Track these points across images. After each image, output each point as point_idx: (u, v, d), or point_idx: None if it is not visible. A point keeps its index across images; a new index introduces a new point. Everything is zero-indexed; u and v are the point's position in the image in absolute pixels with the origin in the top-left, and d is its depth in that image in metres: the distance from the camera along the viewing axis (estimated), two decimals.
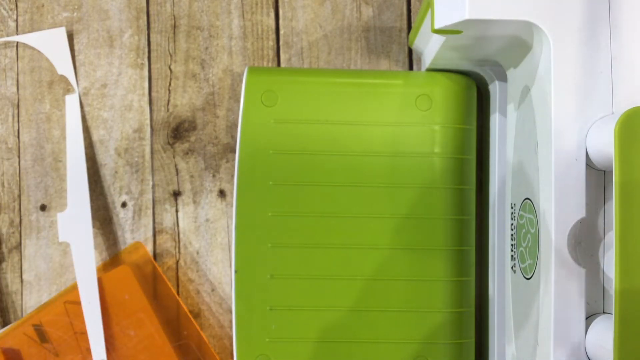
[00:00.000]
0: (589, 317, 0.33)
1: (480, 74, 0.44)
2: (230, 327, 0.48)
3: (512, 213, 0.40)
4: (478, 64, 0.43)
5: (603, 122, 0.32)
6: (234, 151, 0.46)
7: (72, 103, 0.48)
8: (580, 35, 0.33)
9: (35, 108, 0.49)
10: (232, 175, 0.48)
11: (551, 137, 0.33)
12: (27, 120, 0.49)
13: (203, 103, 0.48)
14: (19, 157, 0.49)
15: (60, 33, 0.49)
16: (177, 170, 0.48)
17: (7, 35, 0.49)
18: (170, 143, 0.48)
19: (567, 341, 0.32)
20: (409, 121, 0.42)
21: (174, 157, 0.48)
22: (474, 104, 0.44)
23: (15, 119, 0.49)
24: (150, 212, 0.48)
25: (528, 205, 0.37)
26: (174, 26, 0.49)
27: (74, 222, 0.46)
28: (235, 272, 0.41)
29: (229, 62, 0.48)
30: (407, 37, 0.48)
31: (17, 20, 0.49)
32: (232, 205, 0.48)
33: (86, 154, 0.48)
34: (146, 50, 0.49)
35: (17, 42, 0.49)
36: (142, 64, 0.49)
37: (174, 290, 0.47)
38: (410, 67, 0.49)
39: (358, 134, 0.42)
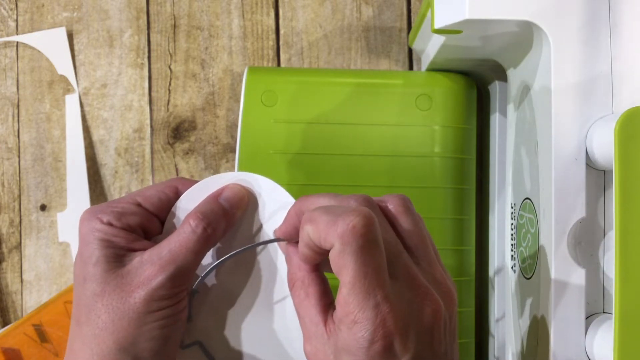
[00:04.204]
0: (589, 317, 0.33)
1: (480, 74, 0.44)
2: None
3: (512, 213, 0.40)
4: (478, 64, 0.43)
5: (603, 122, 0.32)
6: (234, 151, 0.46)
7: (72, 103, 0.48)
8: (580, 35, 0.33)
9: (35, 108, 0.49)
10: None
11: (551, 137, 0.33)
12: (27, 120, 0.49)
13: (203, 103, 0.48)
14: (19, 157, 0.49)
15: (60, 33, 0.49)
16: (177, 170, 0.48)
17: (7, 35, 0.49)
18: (170, 143, 0.48)
19: (567, 341, 0.32)
20: (409, 121, 0.42)
21: (174, 157, 0.48)
22: (474, 104, 0.44)
23: (15, 119, 0.49)
24: None
25: (528, 205, 0.37)
26: (174, 26, 0.49)
27: (74, 222, 0.46)
28: None
29: (229, 62, 0.48)
30: (407, 37, 0.48)
31: (17, 20, 0.49)
32: None
33: (86, 154, 0.48)
34: (146, 50, 0.49)
35: (17, 42, 0.49)
36: (142, 63, 0.49)
37: None
38: (410, 67, 0.49)
39: (358, 134, 0.42)
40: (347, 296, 0.25)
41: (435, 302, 0.26)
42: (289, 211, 0.29)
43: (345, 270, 0.25)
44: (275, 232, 0.31)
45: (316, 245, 0.26)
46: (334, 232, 0.25)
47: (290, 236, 0.29)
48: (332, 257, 0.25)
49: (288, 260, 0.29)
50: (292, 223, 0.29)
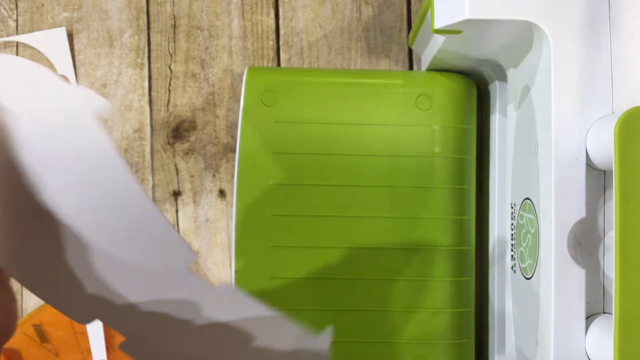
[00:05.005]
0: (589, 317, 0.33)
1: (480, 74, 0.44)
2: None
3: (512, 213, 0.40)
4: (478, 64, 0.43)
5: (603, 122, 0.32)
6: (234, 151, 0.46)
7: None
8: (580, 35, 0.33)
9: None
10: (232, 175, 0.48)
11: (551, 137, 0.33)
12: None
13: (203, 103, 0.48)
14: None
15: (60, 33, 0.49)
16: (177, 170, 0.48)
17: (7, 35, 0.49)
18: (170, 143, 0.48)
19: (567, 341, 0.32)
20: (409, 121, 0.42)
21: (174, 157, 0.48)
22: (474, 104, 0.44)
23: None
24: None
25: (528, 205, 0.37)
26: (174, 26, 0.49)
27: None
28: (235, 272, 0.41)
29: (229, 62, 0.48)
30: (407, 37, 0.48)
31: (17, 20, 0.49)
32: (232, 205, 0.48)
33: None
34: (146, 50, 0.49)
35: (17, 42, 0.49)
36: (142, 63, 0.49)
37: None
38: (410, 67, 0.49)
39: (358, 134, 0.42)
40: None
41: None
42: None
43: None
44: None
45: None
46: None
47: None
48: None
49: None
50: None
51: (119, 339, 0.45)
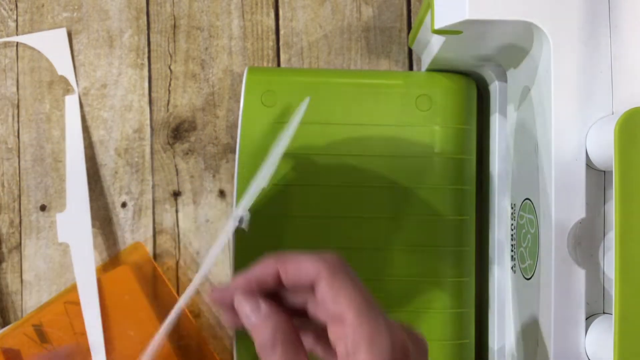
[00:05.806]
0: (589, 317, 0.33)
1: (480, 74, 0.44)
2: (231, 327, 0.48)
3: (512, 213, 0.40)
4: (478, 64, 0.43)
5: (603, 122, 0.32)
6: (234, 151, 0.46)
7: (72, 103, 0.48)
8: (580, 35, 0.33)
9: (35, 108, 0.49)
10: (232, 175, 0.48)
11: (551, 137, 0.33)
12: (27, 120, 0.49)
13: (203, 103, 0.48)
14: (19, 157, 0.49)
15: (60, 33, 0.49)
16: (177, 170, 0.48)
17: (7, 35, 0.49)
18: (170, 143, 0.48)
19: (567, 341, 0.32)
20: (409, 121, 0.42)
21: (174, 157, 0.48)
22: (474, 104, 0.44)
23: (15, 119, 0.49)
24: (150, 212, 0.48)
25: (528, 205, 0.37)
26: (174, 26, 0.49)
27: (74, 223, 0.46)
28: (235, 272, 0.41)
29: (229, 62, 0.48)
30: (407, 37, 0.48)
31: (17, 20, 0.49)
32: (232, 205, 0.48)
33: (86, 154, 0.48)
34: (146, 50, 0.49)
35: (17, 42, 0.49)
36: (142, 64, 0.49)
37: (174, 291, 0.47)
38: (410, 67, 0.49)
39: (358, 134, 0.42)
40: (358, 318, 0.25)
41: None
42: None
43: (344, 296, 0.26)
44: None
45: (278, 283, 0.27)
46: (316, 265, 0.26)
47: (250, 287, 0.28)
48: (323, 286, 0.26)
49: (247, 317, 0.28)
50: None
51: (118, 339, 0.45)
